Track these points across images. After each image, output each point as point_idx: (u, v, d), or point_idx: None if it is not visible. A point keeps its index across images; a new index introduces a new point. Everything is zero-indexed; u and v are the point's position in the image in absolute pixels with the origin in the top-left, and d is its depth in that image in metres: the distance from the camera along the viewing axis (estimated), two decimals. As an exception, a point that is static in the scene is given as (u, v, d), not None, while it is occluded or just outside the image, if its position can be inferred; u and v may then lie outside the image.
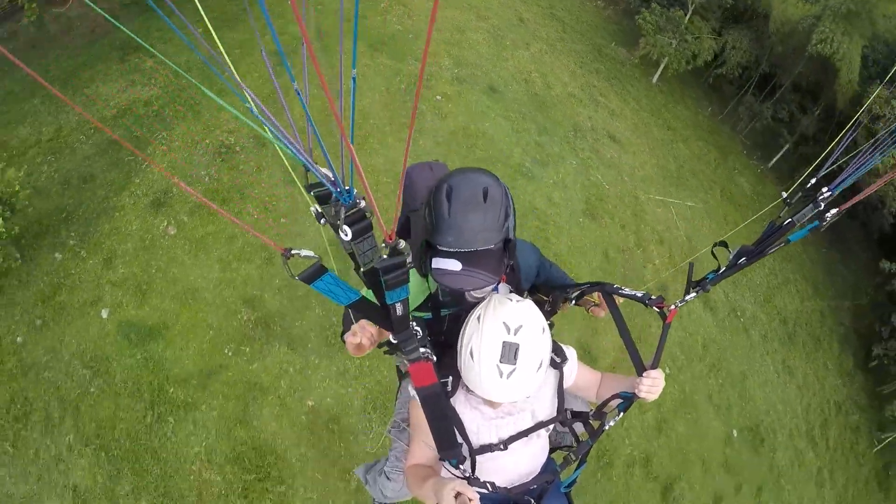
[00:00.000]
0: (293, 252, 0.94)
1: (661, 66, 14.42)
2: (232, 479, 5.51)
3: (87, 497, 5.20)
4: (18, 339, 5.88)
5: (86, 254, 6.52)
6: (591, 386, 2.06)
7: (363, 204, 0.92)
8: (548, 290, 2.25)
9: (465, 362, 1.62)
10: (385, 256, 1.03)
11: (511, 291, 2.04)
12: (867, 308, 15.05)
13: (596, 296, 2.09)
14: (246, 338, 6.27)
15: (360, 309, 1.19)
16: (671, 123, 13.95)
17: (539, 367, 1.62)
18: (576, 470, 2.04)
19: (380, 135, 8.95)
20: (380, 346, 1.78)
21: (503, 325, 1.57)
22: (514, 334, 1.56)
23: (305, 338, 6.48)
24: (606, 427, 1.94)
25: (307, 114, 0.91)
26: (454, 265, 1.63)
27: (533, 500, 1.95)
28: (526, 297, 1.90)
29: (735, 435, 9.65)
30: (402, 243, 1.01)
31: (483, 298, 1.76)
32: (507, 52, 12.19)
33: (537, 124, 10.82)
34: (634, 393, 1.83)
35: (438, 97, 10.13)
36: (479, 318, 1.63)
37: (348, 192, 0.91)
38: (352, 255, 1.10)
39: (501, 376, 1.55)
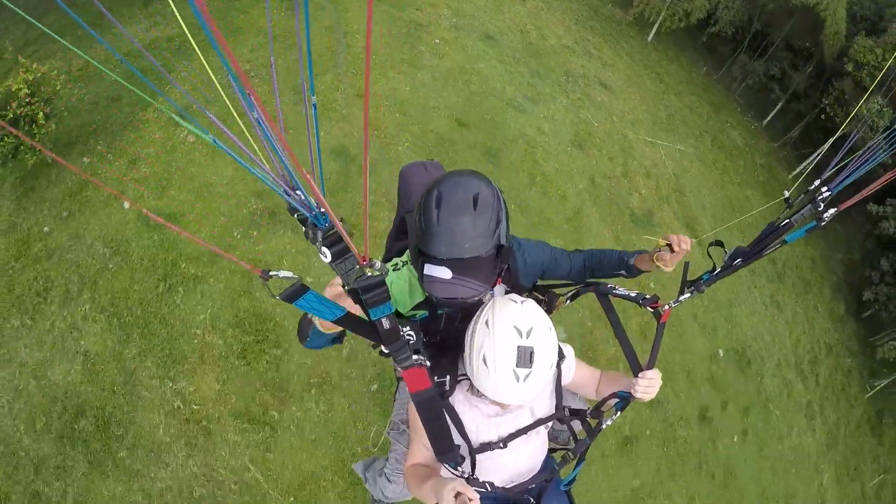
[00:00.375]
0: (271, 274, 0.93)
1: (656, 26, 14.67)
2: (232, 342, 5.94)
3: (96, 360, 5.61)
4: (45, 228, 6.41)
5: (112, 157, 7.06)
6: (589, 383, 2.03)
7: (340, 225, 0.89)
8: (543, 289, 2.19)
9: (477, 369, 1.56)
10: (366, 275, 1.01)
11: (508, 291, 2.00)
12: (858, 262, 15.06)
13: (661, 241, 1.98)
14: (254, 224, 6.74)
15: (347, 323, 1.17)
16: (664, 78, 14.18)
17: (552, 366, 1.59)
18: (575, 468, 2.01)
19: (381, 68, 9.39)
20: (374, 346, 1.70)
21: (515, 330, 1.52)
22: (527, 337, 1.51)
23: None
24: (604, 426, 1.91)
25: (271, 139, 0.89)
26: (444, 273, 1.57)
27: (532, 499, 1.93)
28: (526, 297, 1.79)
29: (721, 354, 9.87)
30: (378, 263, 0.98)
31: (479, 302, 1.71)
32: (505, 6, 12.59)
33: (530, 69, 11.18)
34: (631, 393, 1.81)
35: (437, 41, 10.56)
36: (487, 323, 1.56)
37: (323, 215, 0.88)
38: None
39: (518, 380, 1.50)
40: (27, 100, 5.94)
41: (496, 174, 8.84)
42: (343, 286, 1.07)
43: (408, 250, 1.92)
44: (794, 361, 11.48)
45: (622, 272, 2.10)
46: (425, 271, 1.61)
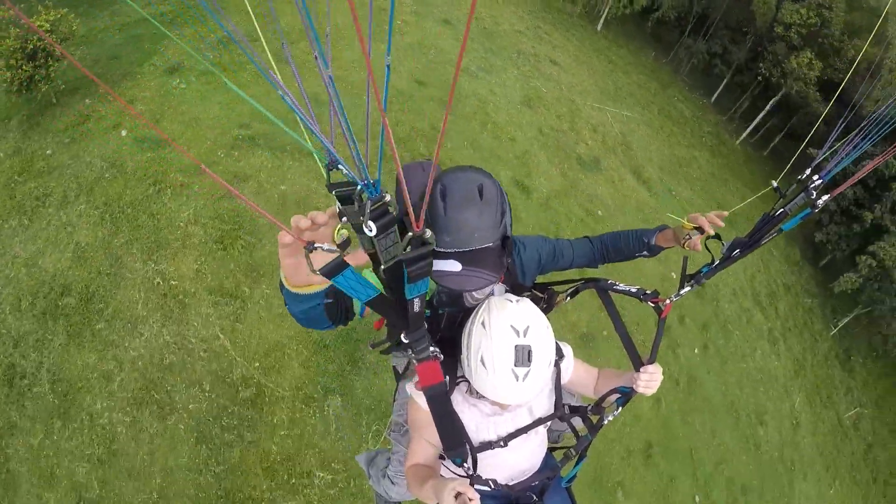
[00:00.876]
0: (315, 246, 0.91)
1: (604, 15, 15.98)
2: (212, 231, 6.59)
3: (86, 249, 6.22)
4: (48, 151, 7.18)
5: (111, 99, 7.93)
6: (587, 382, 1.98)
7: (388, 197, 0.85)
8: (543, 287, 2.13)
9: (476, 370, 1.53)
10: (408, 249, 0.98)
11: (507, 291, 1.93)
12: (813, 224, 15.63)
13: (686, 224, 1.88)
14: (236, 146, 7.51)
15: (377, 305, 1.12)
16: (613, 60, 15.34)
17: (550, 364, 1.56)
18: (575, 465, 2.00)
19: (347, 40, 10.42)
20: (374, 345, 1.71)
21: (511, 329, 1.49)
22: (524, 336, 1.49)
23: (283, 148, 7.71)
24: (605, 422, 1.87)
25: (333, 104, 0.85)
26: (453, 266, 1.53)
27: (535, 497, 1.91)
28: (525, 296, 1.77)
29: (674, 276, 10.33)
30: (429, 233, 0.96)
31: (480, 299, 1.70)
32: (463, -4, 13.91)
33: (484, 47, 12.32)
34: (632, 388, 1.79)
35: (399, 22, 11.75)
36: (483, 323, 1.53)
37: (374, 185, 0.84)
38: (371, 255, 1.01)
39: (517, 380, 1.48)
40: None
41: (450, 121, 9.70)
42: (377, 267, 1.01)
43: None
44: (750, 293, 11.90)
45: (644, 253, 2.01)
46: (434, 266, 1.54)
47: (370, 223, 0.84)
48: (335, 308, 1.49)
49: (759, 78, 15.31)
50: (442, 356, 1.35)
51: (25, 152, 7.09)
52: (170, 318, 5.95)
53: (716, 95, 17.19)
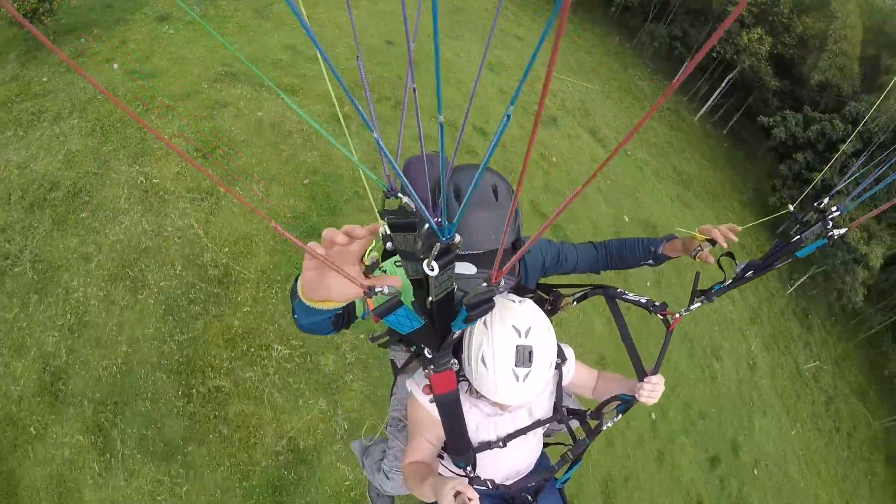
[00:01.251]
0: (377, 291, 0.86)
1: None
2: (194, 142, 7.23)
3: (76, 154, 6.74)
4: (45, 78, 7.76)
5: (105, 38, 8.61)
6: (587, 384, 1.96)
7: (458, 238, 0.78)
8: (548, 289, 2.12)
9: (476, 371, 1.50)
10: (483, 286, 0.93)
11: (510, 292, 1.88)
12: (769, 190, 16.36)
13: (698, 236, 1.84)
14: (218, 80, 8.18)
15: (418, 335, 1.07)
16: (577, 41, 16.27)
17: (551, 366, 1.53)
18: (570, 468, 1.99)
19: (325, 4, 11.34)
20: (374, 339, 1.64)
21: (513, 329, 1.46)
22: (526, 337, 1.46)
23: (262, 84, 8.42)
24: (604, 427, 1.86)
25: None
26: (468, 268, 1.50)
27: (530, 497, 1.91)
28: (527, 297, 1.73)
29: (627, 220, 10.97)
30: (503, 281, 0.96)
31: None
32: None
33: (452, 21, 13.22)
34: (634, 396, 1.78)
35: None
36: (485, 323, 1.50)
37: (450, 226, 0.76)
38: (415, 281, 0.97)
39: (518, 380, 1.45)
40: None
41: (416, 76, 10.47)
42: (424, 298, 0.98)
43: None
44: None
45: (649, 261, 1.99)
46: None
47: (433, 263, 0.80)
48: (341, 316, 1.43)
49: (714, 55, 16.22)
50: (457, 364, 1.31)
51: (23, 79, 7.72)
52: (150, 210, 6.49)
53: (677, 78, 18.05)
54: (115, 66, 8.12)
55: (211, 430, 5.28)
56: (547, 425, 1.82)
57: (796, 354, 13.24)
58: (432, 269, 0.81)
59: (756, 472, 9.86)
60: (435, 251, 0.81)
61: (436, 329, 1.09)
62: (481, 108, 10.70)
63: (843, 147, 12.81)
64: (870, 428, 14.26)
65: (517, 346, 1.43)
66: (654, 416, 8.65)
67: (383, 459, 2.22)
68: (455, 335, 1.12)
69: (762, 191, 15.77)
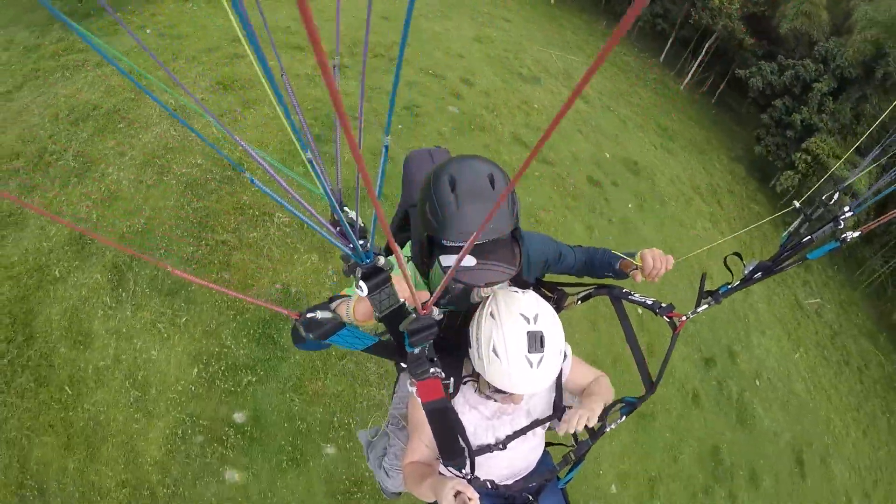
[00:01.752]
0: (308, 316, 0.90)
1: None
2: (216, 80, 8.28)
3: (115, 87, 7.57)
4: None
5: (137, 13, 9.96)
6: (581, 383, 1.88)
7: (382, 261, 0.81)
8: (552, 286, 2.09)
9: (488, 361, 1.43)
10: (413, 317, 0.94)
11: (510, 285, 1.80)
12: (754, 141, 16.21)
13: (638, 257, 1.80)
14: (236, 40, 9.19)
15: (377, 350, 1.12)
16: (563, 24, 17.15)
17: (560, 352, 1.48)
18: (572, 468, 1.95)
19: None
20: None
21: (521, 317, 1.42)
22: (535, 323, 1.42)
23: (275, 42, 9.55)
24: (607, 429, 1.80)
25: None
26: (468, 260, 1.42)
27: (531, 497, 1.87)
28: (529, 290, 1.65)
29: (608, 157, 11.38)
30: (436, 311, 0.93)
31: (485, 296, 1.62)
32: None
33: (443, 2, 14.32)
34: (639, 399, 1.77)
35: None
36: (492, 314, 1.45)
37: (366, 253, 0.80)
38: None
39: (532, 366, 1.40)
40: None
41: (408, 47, 11.48)
42: (375, 313, 0.97)
43: (409, 243, 1.82)
44: (689, 184, 12.67)
45: (610, 274, 1.99)
46: (445, 262, 1.46)
47: (361, 283, 0.83)
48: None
49: (691, 21, 16.78)
50: (444, 374, 1.27)
51: (68, 40, 9.02)
52: (177, 123, 7.45)
53: (664, 54, 18.82)
54: (148, 31, 9.41)
55: (215, 273, 5.94)
56: (547, 424, 1.77)
57: (795, 289, 12.99)
58: (361, 290, 0.84)
59: (758, 382, 9.64)
60: (358, 273, 0.85)
61: (397, 344, 1.08)
62: (468, 67, 11.56)
63: (817, 87, 13.10)
64: (883, 369, 13.59)
65: (528, 332, 1.40)
66: (640, 312, 8.76)
67: (384, 456, 2.15)
68: (417, 353, 1.09)
69: (751, 150, 15.90)
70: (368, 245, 0.82)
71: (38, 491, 4.42)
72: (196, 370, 5.20)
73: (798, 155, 13.58)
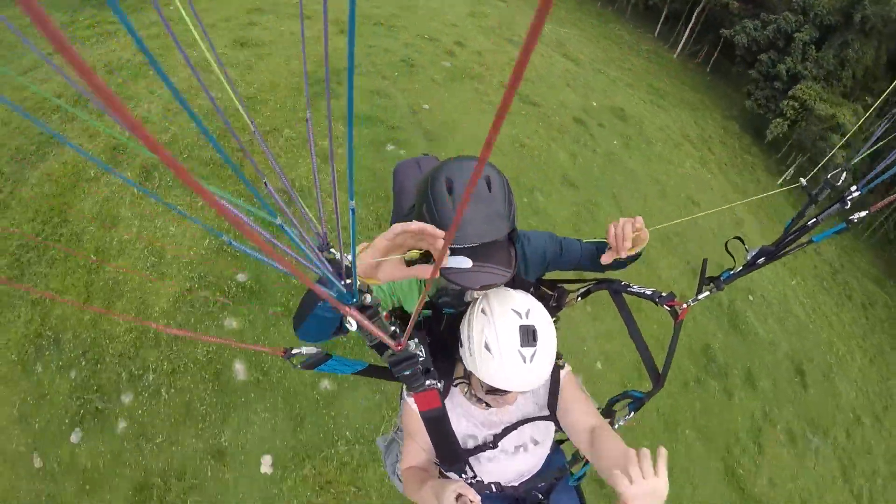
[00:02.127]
0: (294, 352, 0.91)
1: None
2: (233, 37, 9.21)
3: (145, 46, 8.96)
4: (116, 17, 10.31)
5: None
6: (577, 422, 1.58)
7: (368, 299, 0.78)
8: (551, 284, 1.97)
9: (481, 357, 1.38)
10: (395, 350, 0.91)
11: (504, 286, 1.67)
12: (745, 96, 16.24)
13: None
14: (251, 11, 10.30)
15: (368, 373, 1.14)
16: (557, 3, 17.79)
17: (553, 349, 1.42)
18: (585, 464, 1.84)
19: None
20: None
21: (513, 312, 1.38)
22: (527, 317, 1.38)
23: (285, 12, 10.47)
24: (616, 426, 1.73)
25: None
26: (464, 262, 1.35)
27: (541, 496, 1.78)
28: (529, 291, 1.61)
29: (595, 105, 11.77)
30: (412, 345, 0.92)
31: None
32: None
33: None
34: (646, 394, 1.69)
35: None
36: (484, 311, 1.42)
37: (351, 293, 0.76)
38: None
39: (525, 361, 1.35)
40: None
41: (403, 16, 12.35)
42: (367, 343, 0.96)
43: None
44: (679, 132, 12.87)
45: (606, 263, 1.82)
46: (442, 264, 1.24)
47: (350, 320, 0.80)
48: (339, 328, 1.30)
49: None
50: (441, 385, 1.23)
51: (99, 17, 10.20)
52: (199, 66, 8.35)
53: (658, 28, 19.24)
54: (171, 8, 10.49)
55: (228, 168, 6.62)
56: (552, 430, 1.71)
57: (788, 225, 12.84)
58: (350, 325, 0.83)
59: (751, 297, 9.56)
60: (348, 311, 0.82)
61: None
62: (462, 34, 12.27)
63: (798, 36, 13.30)
64: (890, 309, 13.21)
65: (520, 327, 1.37)
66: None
67: (398, 462, 2.07)
68: (408, 374, 1.07)
69: (745, 110, 16.02)
70: (353, 286, 0.79)
71: (53, 340, 4.98)
72: (207, 241, 5.81)
73: (786, 102, 13.71)
